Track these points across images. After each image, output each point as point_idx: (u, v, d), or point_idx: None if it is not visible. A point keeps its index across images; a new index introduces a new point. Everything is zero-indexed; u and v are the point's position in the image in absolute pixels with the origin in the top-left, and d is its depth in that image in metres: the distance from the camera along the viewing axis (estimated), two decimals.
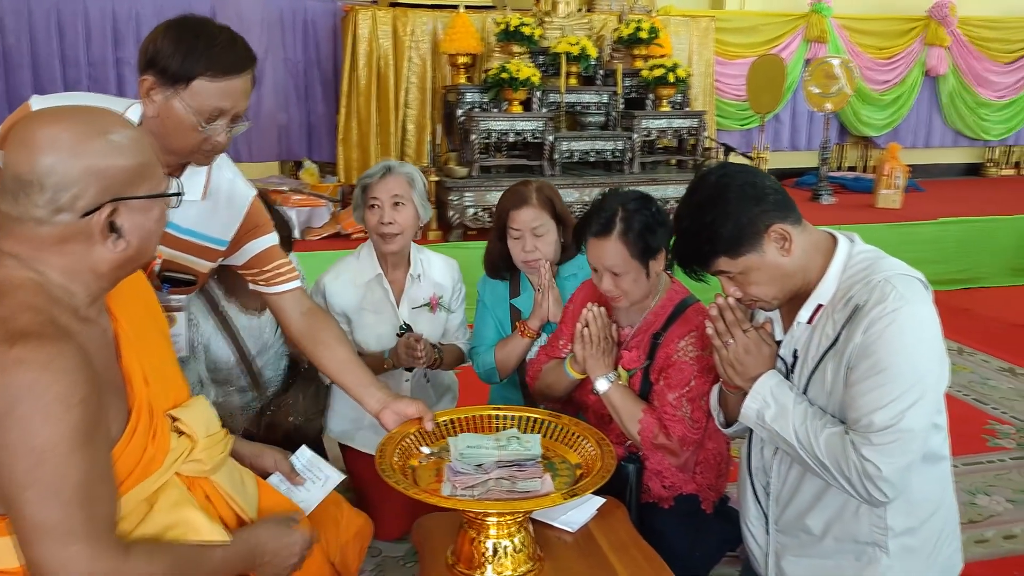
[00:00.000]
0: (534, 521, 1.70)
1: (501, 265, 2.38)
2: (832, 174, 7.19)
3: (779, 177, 8.23)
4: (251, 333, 2.30)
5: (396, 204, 2.25)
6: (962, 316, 4.84)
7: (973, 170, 8.79)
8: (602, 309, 1.90)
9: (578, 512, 1.71)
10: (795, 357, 1.54)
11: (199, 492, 1.32)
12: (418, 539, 1.66)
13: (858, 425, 1.39)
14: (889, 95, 7.86)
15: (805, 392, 1.52)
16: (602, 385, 1.88)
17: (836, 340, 1.44)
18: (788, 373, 1.56)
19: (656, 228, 1.86)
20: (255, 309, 2.31)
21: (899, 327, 1.36)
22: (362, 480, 2.40)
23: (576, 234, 1.97)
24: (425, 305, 2.41)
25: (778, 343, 1.59)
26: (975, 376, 3.86)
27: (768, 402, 1.50)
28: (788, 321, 1.57)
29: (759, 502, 1.69)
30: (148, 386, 1.23)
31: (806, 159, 7.87)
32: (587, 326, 1.88)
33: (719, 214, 1.45)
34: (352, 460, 2.48)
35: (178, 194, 1.25)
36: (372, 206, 2.25)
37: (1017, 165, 8.87)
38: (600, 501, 1.75)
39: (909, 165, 7.41)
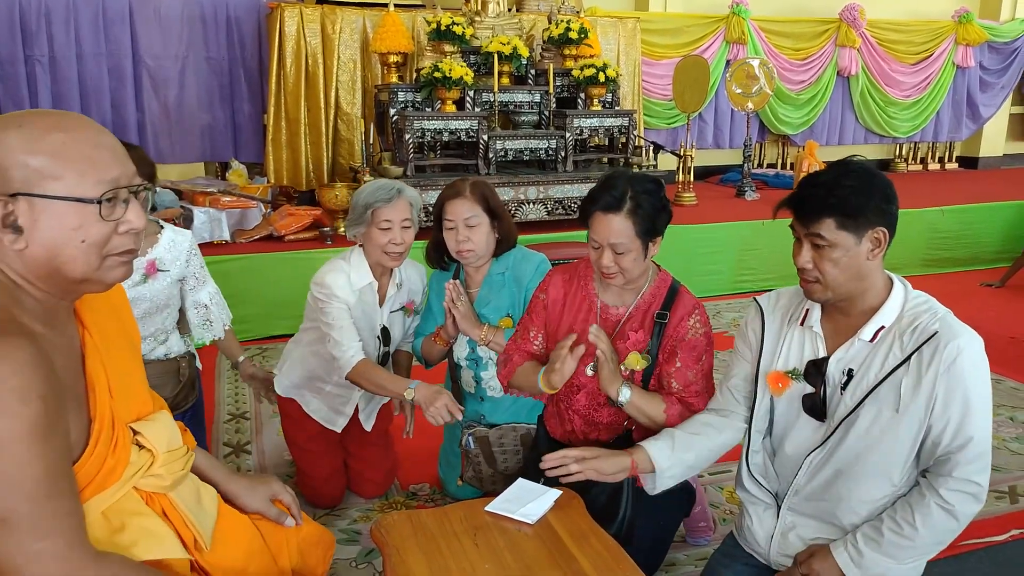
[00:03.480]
0: (491, 513, 1.72)
1: (437, 255, 2.52)
2: (754, 171, 7.45)
3: (705, 175, 8.58)
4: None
5: (405, 227, 2.37)
6: None
7: (883, 166, 9.23)
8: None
9: (536, 504, 1.74)
10: (848, 376, 1.62)
11: (156, 508, 1.29)
12: (378, 538, 1.66)
13: (961, 452, 1.52)
14: (805, 94, 8.18)
15: (860, 406, 1.59)
16: (624, 395, 1.93)
17: (907, 359, 1.55)
18: (840, 389, 1.63)
19: (661, 211, 1.94)
20: None
21: (979, 358, 1.54)
22: (302, 451, 2.64)
23: (581, 209, 2.02)
24: (402, 309, 2.54)
25: (824, 360, 1.66)
26: None
27: None
28: (834, 342, 1.66)
29: (766, 490, 1.79)
30: (112, 398, 1.20)
31: (729, 157, 8.13)
32: (599, 347, 1.92)
33: (859, 184, 1.55)
34: (293, 434, 2.66)
35: (96, 200, 1.11)
36: (385, 228, 2.33)
37: (923, 161, 9.37)
38: (557, 493, 1.79)
39: (824, 162, 7.75)
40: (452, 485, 2.62)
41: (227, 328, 2.63)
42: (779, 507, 1.77)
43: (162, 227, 2.47)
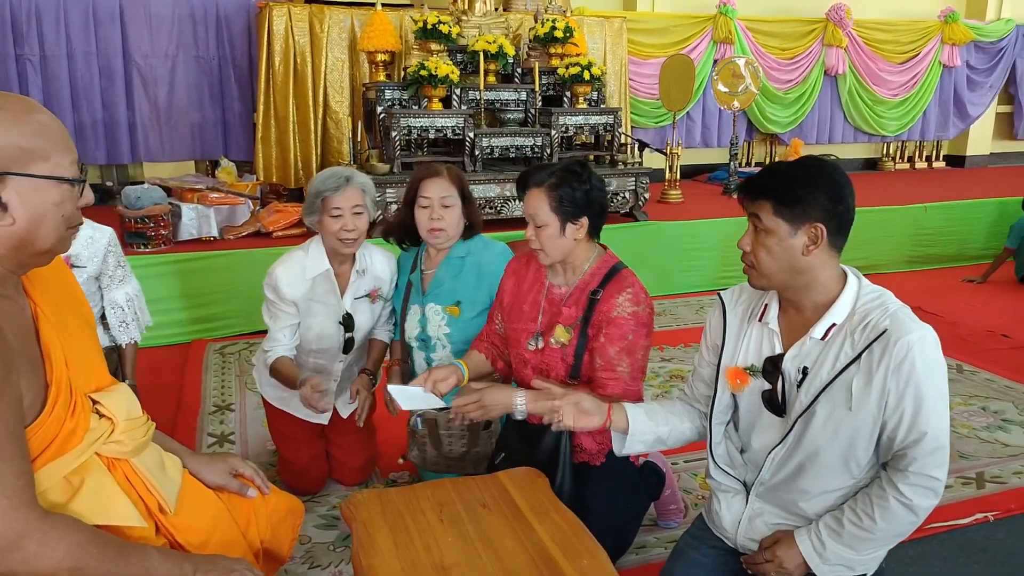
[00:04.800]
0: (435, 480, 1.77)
1: (401, 233, 2.55)
2: (741, 169, 7.51)
3: (693, 173, 8.64)
4: None
5: (356, 213, 2.39)
6: None
7: (871, 164, 9.33)
8: (460, 408, 1.97)
9: (422, 400, 1.99)
10: (804, 373, 1.63)
11: (119, 474, 1.34)
12: (347, 514, 1.71)
13: (916, 447, 1.54)
14: (792, 93, 8.25)
15: (815, 403, 1.61)
16: (520, 412, 1.97)
17: (858, 358, 1.56)
18: (796, 386, 1.65)
19: (579, 193, 2.02)
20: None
21: (930, 354, 1.54)
22: (285, 438, 2.69)
23: (518, 184, 2.14)
24: (366, 296, 2.56)
25: (780, 356, 1.67)
26: None
27: (840, 572, 1.65)
28: (790, 338, 1.67)
29: (734, 478, 1.82)
30: (68, 368, 1.25)
31: (717, 155, 8.20)
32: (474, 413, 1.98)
33: (806, 176, 1.57)
34: (276, 422, 2.72)
35: (80, 180, 1.24)
36: (335, 216, 2.37)
37: (911, 160, 9.45)
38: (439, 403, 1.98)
39: None
40: (428, 472, 2.68)
41: (141, 334, 2.67)
42: (748, 493, 1.80)
43: (80, 223, 2.51)
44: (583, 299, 2.08)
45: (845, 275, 1.65)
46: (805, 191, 1.55)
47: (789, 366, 1.65)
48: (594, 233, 2.11)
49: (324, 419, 2.62)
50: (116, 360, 2.59)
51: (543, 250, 2.06)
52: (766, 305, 1.72)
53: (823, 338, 1.61)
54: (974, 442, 3.11)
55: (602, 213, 2.08)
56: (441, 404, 2.04)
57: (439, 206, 2.38)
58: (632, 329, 2.00)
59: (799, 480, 1.69)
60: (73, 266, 2.42)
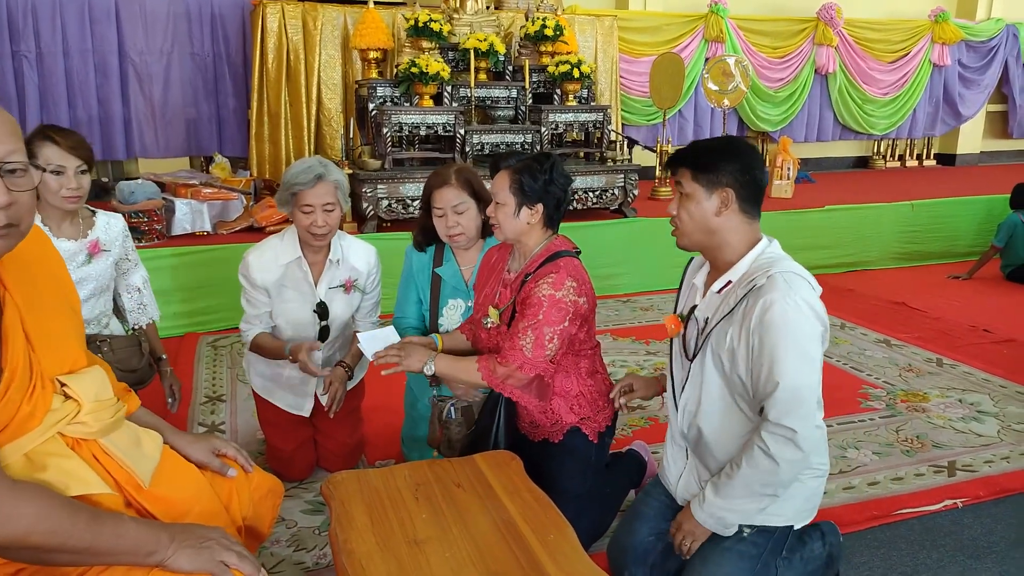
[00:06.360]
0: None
1: (424, 238, 2.63)
2: None
3: None
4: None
5: (327, 210, 2.43)
6: (846, 295, 5.24)
7: (861, 163, 9.39)
8: (382, 358, 2.16)
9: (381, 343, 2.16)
10: (706, 323, 1.84)
11: (85, 453, 1.37)
12: (327, 493, 1.78)
13: (771, 397, 1.67)
14: (783, 92, 8.31)
15: (704, 346, 1.81)
16: (428, 370, 2.12)
17: (734, 309, 1.75)
18: (701, 333, 1.85)
19: (539, 181, 2.13)
20: (70, 236, 2.42)
21: (791, 313, 1.66)
22: (272, 426, 2.74)
23: (490, 166, 2.26)
24: (340, 286, 2.60)
25: (695, 307, 1.90)
26: (853, 347, 4.20)
27: (724, 521, 1.80)
28: (707, 292, 1.91)
29: (680, 443, 1.99)
30: (34, 351, 1.28)
31: None
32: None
33: (720, 148, 1.82)
34: (263, 410, 2.77)
35: (19, 167, 1.20)
36: (307, 212, 2.41)
37: (901, 158, 9.52)
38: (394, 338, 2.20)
39: (803, 159, 7.88)
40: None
41: (155, 320, 2.72)
42: (688, 449, 1.98)
43: (94, 212, 2.54)
44: (518, 281, 2.19)
45: (758, 241, 1.83)
46: (717, 159, 1.79)
47: (699, 315, 1.87)
48: (550, 223, 2.20)
49: (305, 411, 2.68)
50: (143, 348, 2.61)
51: (499, 226, 2.18)
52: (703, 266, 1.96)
53: (719, 292, 1.82)
54: (948, 432, 3.18)
55: (559, 206, 2.18)
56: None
57: (452, 213, 2.46)
58: (545, 310, 2.05)
59: (704, 428, 1.85)
60: (101, 250, 2.49)
